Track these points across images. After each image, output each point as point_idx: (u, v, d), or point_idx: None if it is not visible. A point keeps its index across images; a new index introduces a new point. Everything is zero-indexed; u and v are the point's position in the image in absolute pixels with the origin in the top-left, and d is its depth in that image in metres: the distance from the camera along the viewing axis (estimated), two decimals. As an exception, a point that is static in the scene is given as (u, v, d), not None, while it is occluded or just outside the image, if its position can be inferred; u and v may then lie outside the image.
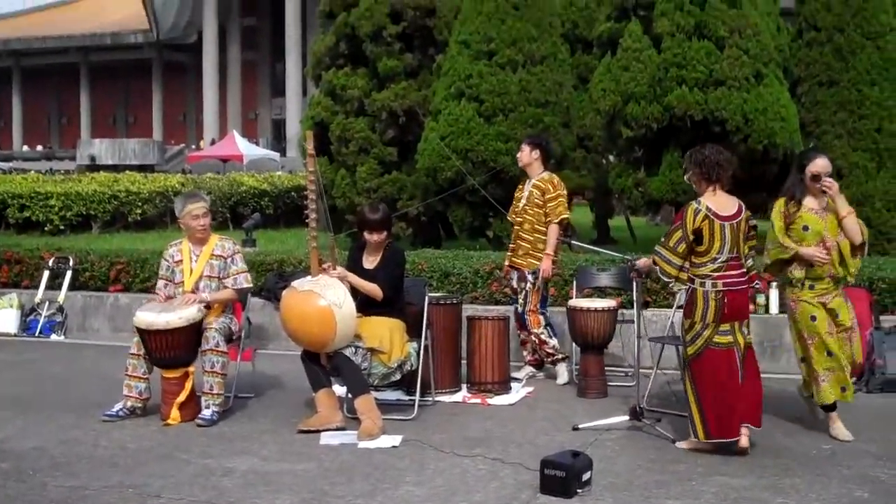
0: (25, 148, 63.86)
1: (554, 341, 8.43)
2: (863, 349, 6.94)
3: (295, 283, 7.05)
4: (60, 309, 11.46)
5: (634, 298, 7.53)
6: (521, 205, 8.54)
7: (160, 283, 7.60)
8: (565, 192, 8.55)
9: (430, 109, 14.39)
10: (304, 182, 7.30)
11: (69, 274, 11.74)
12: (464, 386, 8.12)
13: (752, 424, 6.28)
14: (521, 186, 8.74)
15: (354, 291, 7.02)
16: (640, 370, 7.10)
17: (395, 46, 15.57)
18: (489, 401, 7.78)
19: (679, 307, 6.84)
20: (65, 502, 5.38)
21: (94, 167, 40.11)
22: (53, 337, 11.20)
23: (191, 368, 7.20)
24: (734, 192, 6.58)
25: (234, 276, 7.51)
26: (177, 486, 5.63)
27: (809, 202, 6.58)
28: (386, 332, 7.05)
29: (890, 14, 13.11)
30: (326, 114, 15.89)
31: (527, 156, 8.56)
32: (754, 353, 6.53)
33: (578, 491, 5.37)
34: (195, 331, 7.16)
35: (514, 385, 8.21)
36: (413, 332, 7.34)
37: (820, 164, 6.52)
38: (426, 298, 7.58)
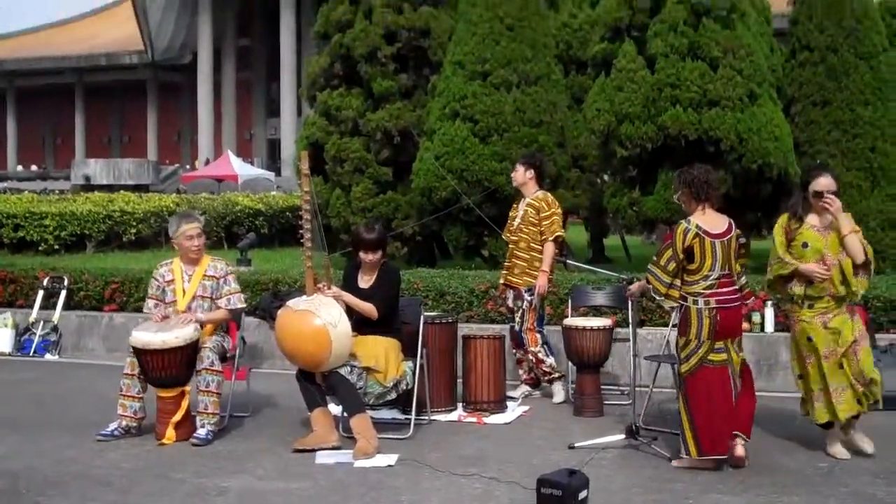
0: (20, 168, 63.86)
1: (551, 360, 8.43)
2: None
3: (290, 303, 7.06)
4: (55, 328, 11.44)
5: (630, 317, 7.53)
6: (515, 223, 8.55)
7: (150, 302, 7.57)
8: (560, 210, 8.57)
9: (424, 129, 14.42)
10: (299, 202, 7.31)
11: (63, 293, 11.71)
12: (459, 405, 8.11)
13: (743, 434, 6.36)
14: (515, 205, 8.75)
15: (350, 311, 7.02)
16: (636, 389, 7.09)
17: (390, 67, 15.60)
18: (485, 420, 7.76)
19: (674, 326, 6.85)
20: (59, 522, 5.37)
21: (88, 187, 40.16)
22: (48, 356, 11.18)
23: (187, 388, 7.19)
24: (728, 211, 6.62)
25: (228, 296, 7.51)
26: (171, 506, 5.62)
27: (812, 219, 6.54)
28: (381, 352, 7.05)
29: (882, 34, 13.21)
30: (321, 134, 15.90)
31: (521, 175, 8.57)
32: (750, 369, 6.59)
33: (574, 510, 5.37)
34: (192, 350, 7.15)
35: (509, 404, 8.20)
36: (409, 351, 7.34)
37: (823, 183, 6.47)
38: (421, 318, 7.57)
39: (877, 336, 8.61)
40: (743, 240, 6.54)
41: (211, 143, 55.63)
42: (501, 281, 8.73)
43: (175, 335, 7.05)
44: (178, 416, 7.09)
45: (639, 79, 12.50)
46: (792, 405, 7.55)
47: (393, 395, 7.12)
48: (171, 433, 7.05)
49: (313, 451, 6.69)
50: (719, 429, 6.21)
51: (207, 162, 50.42)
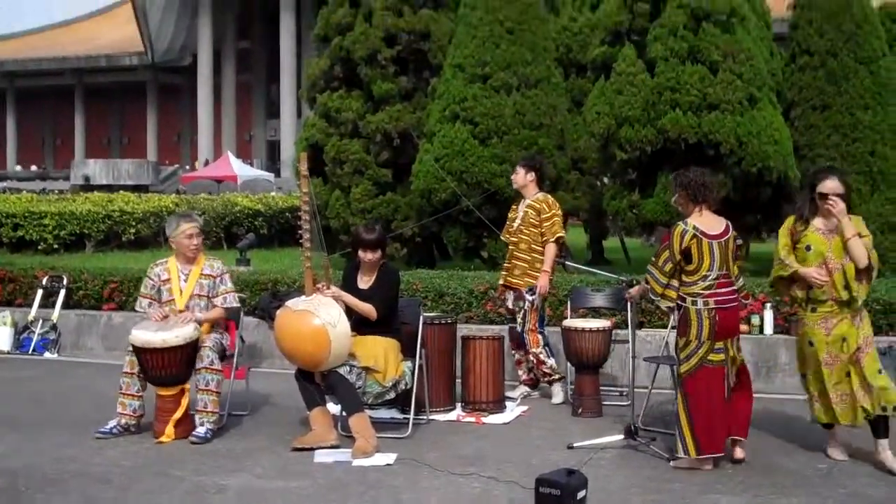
0: (19, 168, 63.86)
1: (551, 361, 8.43)
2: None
3: (289, 303, 7.06)
4: (54, 327, 11.43)
5: (629, 319, 7.55)
6: (515, 225, 8.55)
7: (143, 301, 7.54)
8: (560, 211, 8.58)
9: (424, 131, 14.44)
10: (298, 202, 7.31)
11: (63, 292, 11.71)
12: (458, 405, 8.11)
13: (741, 437, 6.43)
14: (514, 207, 8.76)
15: (349, 311, 7.03)
16: (635, 390, 7.09)
17: (390, 70, 15.63)
18: (484, 419, 7.77)
19: (673, 327, 6.86)
20: (58, 518, 5.37)
21: (88, 187, 40.14)
22: (47, 355, 11.17)
23: (187, 386, 7.20)
24: (728, 214, 6.64)
25: (224, 295, 7.52)
26: (170, 504, 5.63)
27: (818, 222, 6.44)
28: (381, 352, 7.06)
29: (882, 39, 13.25)
30: (321, 135, 15.92)
31: (522, 178, 8.58)
32: (747, 369, 6.63)
33: (573, 509, 5.37)
34: (192, 349, 7.16)
35: (508, 404, 8.20)
36: (408, 351, 7.34)
37: (828, 185, 6.36)
38: (420, 318, 7.58)
39: (876, 338, 8.61)
40: (740, 241, 6.56)
41: (211, 145, 55.68)
42: (501, 282, 8.73)
43: (175, 334, 7.06)
44: (178, 414, 7.10)
45: (639, 82, 12.54)
46: (791, 407, 7.58)
47: (392, 395, 7.13)
48: (170, 431, 7.05)
49: (312, 449, 6.69)
50: (717, 427, 6.25)
51: (207, 163, 50.43)
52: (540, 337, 8.40)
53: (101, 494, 5.79)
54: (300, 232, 7.12)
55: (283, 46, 53.55)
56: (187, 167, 56.52)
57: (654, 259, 6.48)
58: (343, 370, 6.81)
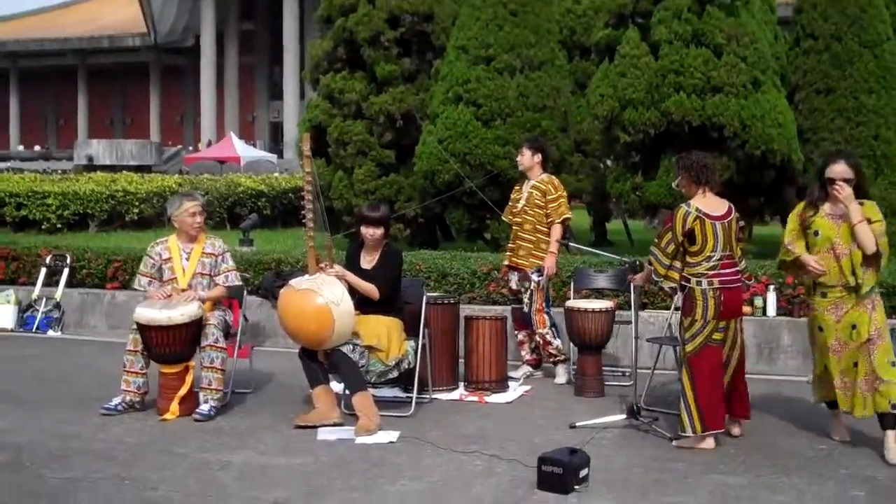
0: (22, 148, 63.78)
1: (558, 342, 8.44)
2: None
3: (293, 282, 7.07)
4: (57, 305, 11.46)
5: (632, 300, 7.56)
6: (520, 206, 8.55)
7: (143, 280, 7.53)
8: (565, 192, 8.59)
9: (427, 113, 14.43)
10: (302, 183, 7.31)
11: (66, 271, 11.74)
12: (461, 384, 8.14)
13: (746, 417, 6.61)
14: (517, 187, 8.76)
15: (352, 290, 7.04)
16: (638, 370, 7.11)
17: (393, 51, 15.62)
18: (486, 399, 7.79)
19: (677, 308, 6.88)
20: (62, 494, 5.39)
21: (91, 167, 40.09)
22: (50, 333, 11.20)
23: (191, 363, 7.22)
24: (731, 196, 6.67)
25: (226, 273, 7.53)
26: (174, 480, 5.65)
27: (827, 207, 6.33)
28: (384, 331, 7.07)
29: (887, 23, 13.20)
30: (324, 116, 15.93)
31: (528, 159, 8.57)
32: (745, 350, 6.71)
33: (576, 487, 5.39)
34: (196, 327, 7.17)
35: (511, 384, 8.23)
36: (411, 330, 7.36)
37: (836, 170, 6.25)
38: (424, 298, 7.60)
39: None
40: (742, 223, 6.59)
41: (213, 126, 55.54)
42: (505, 262, 8.74)
43: (181, 312, 7.07)
44: (183, 391, 7.13)
45: (642, 65, 12.52)
46: (792, 388, 7.60)
47: (395, 374, 7.15)
48: (175, 408, 7.07)
49: (315, 427, 6.72)
50: (718, 404, 6.33)
51: (209, 144, 50.35)
52: (546, 318, 8.42)
53: (104, 470, 5.81)
54: (303, 212, 7.12)
55: (287, 28, 53.38)
56: (190, 148, 56.40)
57: (656, 241, 6.53)
58: (346, 349, 6.83)
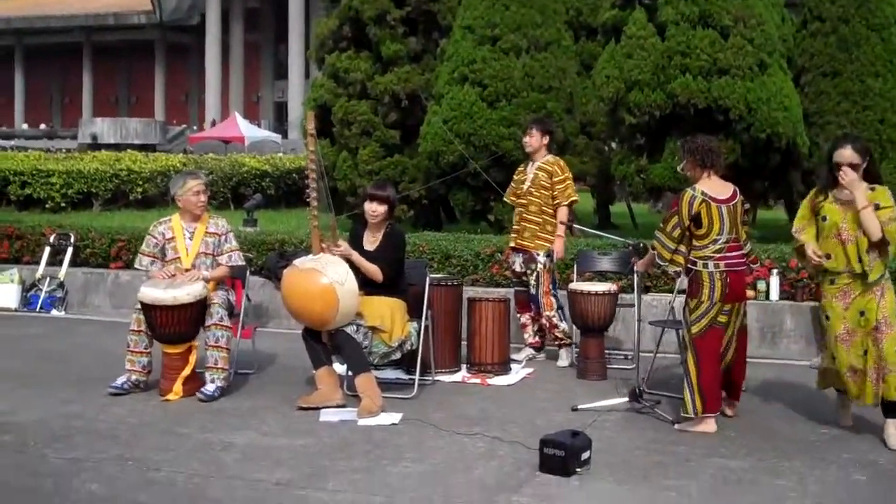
0: (26, 126, 63.75)
1: (564, 325, 8.44)
2: None
3: (297, 262, 7.05)
4: (61, 285, 11.48)
5: (635, 283, 7.56)
6: (525, 187, 8.52)
7: (145, 259, 7.50)
8: (571, 174, 8.58)
9: (433, 93, 14.39)
10: (306, 163, 7.30)
11: (70, 250, 11.75)
12: (463, 366, 8.14)
13: (735, 400, 6.72)
14: (521, 168, 8.74)
15: (355, 270, 7.02)
16: (640, 353, 7.11)
17: (399, 30, 15.57)
18: (489, 381, 7.80)
19: (680, 292, 6.88)
20: (66, 474, 5.40)
21: (95, 146, 40.07)
22: (54, 312, 11.22)
23: (194, 343, 7.23)
24: (735, 180, 6.67)
25: (229, 253, 7.53)
26: (176, 460, 5.66)
27: (837, 192, 6.25)
28: (387, 312, 7.07)
29: (894, 6, 13.11)
30: (329, 96, 15.88)
31: (537, 140, 8.54)
32: (746, 334, 6.72)
33: (577, 470, 5.40)
34: (200, 307, 7.17)
35: (513, 366, 8.23)
36: (414, 312, 7.35)
37: (842, 154, 6.17)
38: (427, 279, 7.59)
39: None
40: (747, 206, 6.59)
41: (218, 105, 55.45)
42: (511, 244, 8.72)
43: (186, 292, 7.06)
44: (186, 371, 7.14)
45: (649, 46, 12.45)
46: (795, 372, 7.59)
47: (398, 355, 7.16)
48: (178, 388, 7.08)
49: (318, 408, 6.73)
50: (717, 387, 6.39)
51: (214, 123, 50.26)
52: (554, 300, 8.41)
53: (107, 450, 5.83)
54: (307, 192, 7.12)
55: (292, 6, 53.22)
56: (195, 127, 56.34)
57: (661, 225, 6.53)
58: (350, 329, 6.82)
